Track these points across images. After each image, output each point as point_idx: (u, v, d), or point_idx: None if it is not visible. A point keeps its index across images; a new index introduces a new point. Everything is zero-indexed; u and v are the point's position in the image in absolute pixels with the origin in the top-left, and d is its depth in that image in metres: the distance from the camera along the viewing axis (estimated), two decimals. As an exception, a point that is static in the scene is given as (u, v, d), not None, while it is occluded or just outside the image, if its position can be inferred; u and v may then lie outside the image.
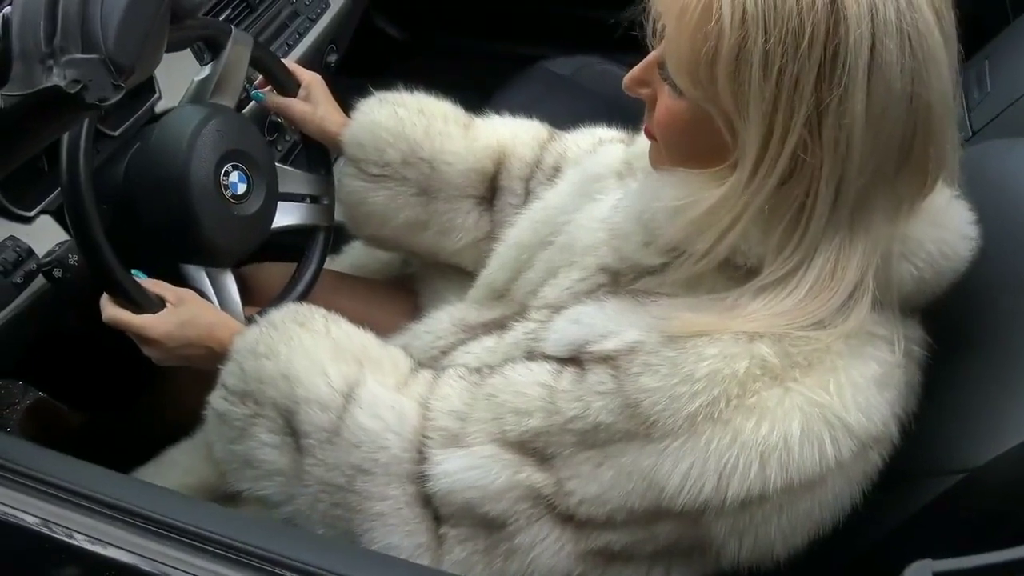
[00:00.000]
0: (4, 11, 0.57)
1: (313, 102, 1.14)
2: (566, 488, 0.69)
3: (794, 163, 0.65)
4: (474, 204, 1.11)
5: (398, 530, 0.74)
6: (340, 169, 1.15)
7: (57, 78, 0.54)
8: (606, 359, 0.69)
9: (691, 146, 0.71)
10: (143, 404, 1.24)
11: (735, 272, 0.70)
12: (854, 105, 0.63)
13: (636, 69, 0.75)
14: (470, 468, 0.71)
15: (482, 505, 0.71)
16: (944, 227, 0.72)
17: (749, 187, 0.66)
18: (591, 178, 0.93)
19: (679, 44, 0.67)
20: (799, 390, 0.66)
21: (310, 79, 1.15)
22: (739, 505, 0.66)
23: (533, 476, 0.69)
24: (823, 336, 0.67)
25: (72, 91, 0.54)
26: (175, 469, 1.01)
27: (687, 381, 0.65)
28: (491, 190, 1.11)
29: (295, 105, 1.14)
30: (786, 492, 0.66)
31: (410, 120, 1.09)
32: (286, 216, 1.14)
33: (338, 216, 1.20)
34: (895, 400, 0.70)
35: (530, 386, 0.71)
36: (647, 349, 0.67)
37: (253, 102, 1.20)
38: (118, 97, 0.57)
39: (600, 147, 1.04)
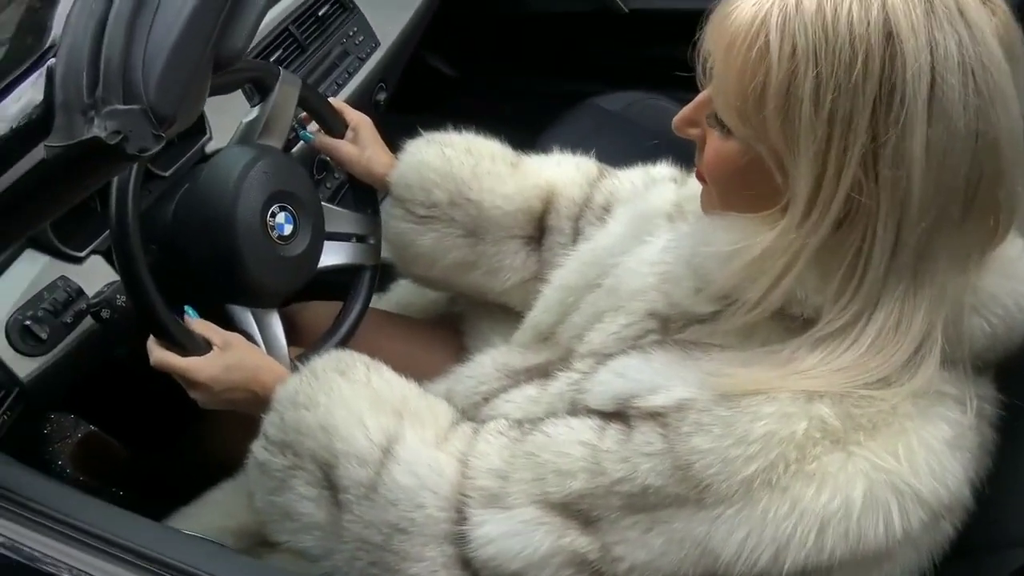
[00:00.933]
0: (49, 62, 0.57)
1: (360, 144, 1.14)
2: (613, 553, 0.66)
3: (849, 205, 0.62)
4: (522, 244, 1.10)
5: None
6: (386, 211, 1.15)
7: (98, 129, 0.54)
8: (654, 415, 0.66)
9: (742, 188, 0.68)
10: (189, 442, 1.24)
11: (792, 323, 0.67)
12: (913, 144, 0.60)
13: (686, 109, 0.72)
14: (512, 535, 0.68)
15: (526, 572, 0.68)
16: (1019, 279, 0.68)
17: (802, 230, 0.63)
18: (641, 219, 0.91)
19: (727, 80, 0.65)
20: (863, 455, 0.62)
21: (358, 120, 1.15)
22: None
23: (577, 540, 0.66)
24: (888, 395, 0.63)
25: (112, 142, 0.54)
26: (217, 511, 1.00)
27: (741, 443, 0.62)
28: (539, 229, 1.10)
29: (342, 147, 1.14)
30: (850, 564, 0.62)
31: (458, 160, 1.08)
32: (332, 255, 1.14)
33: (385, 255, 1.19)
34: (969, 464, 0.66)
35: (572, 445, 0.68)
36: (698, 407, 0.64)
37: (302, 142, 1.21)
38: (159, 147, 0.56)
39: (652, 186, 1.01)
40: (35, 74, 0.59)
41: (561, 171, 1.11)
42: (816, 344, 0.65)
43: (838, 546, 0.61)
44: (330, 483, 0.78)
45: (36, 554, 0.69)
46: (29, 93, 0.59)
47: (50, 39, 0.63)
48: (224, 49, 0.60)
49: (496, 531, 0.69)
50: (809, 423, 0.62)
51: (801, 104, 0.61)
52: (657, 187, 0.98)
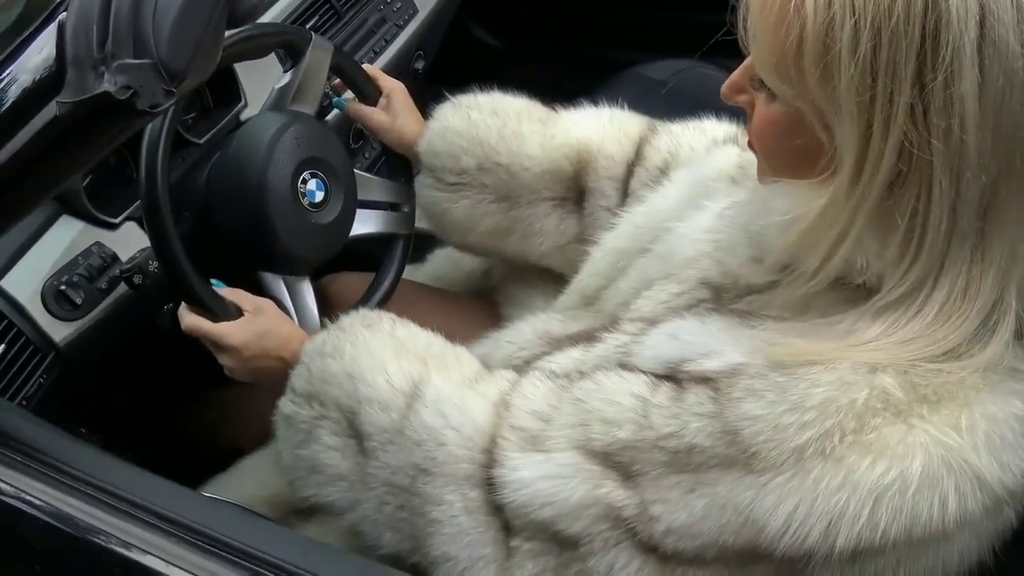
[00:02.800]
0: (60, 16, 0.56)
1: (393, 112, 1.12)
2: (650, 512, 0.63)
3: (902, 163, 0.58)
4: (553, 206, 1.07)
5: (455, 540, 0.70)
6: (419, 180, 1.13)
7: (108, 84, 0.53)
8: (705, 380, 0.63)
9: (788, 154, 0.65)
10: (217, 412, 1.24)
11: (852, 293, 0.63)
12: (963, 90, 0.55)
13: (734, 74, 0.69)
14: (547, 478, 0.66)
15: (557, 522, 0.66)
16: None
17: (853, 192, 0.59)
18: (701, 183, 0.87)
19: (763, 38, 0.61)
20: (924, 428, 0.58)
21: (392, 88, 1.13)
22: (849, 556, 0.59)
23: (614, 493, 0.64)
24: (956, 368, 0.59)
25: (122, 97, 0.53)
26: (249, 479, 1.00)
27: (796, 410, 0.59)
28: (574, 191, 1.07)
29: (374, 115, 1.12)
30: (904, 546, 0.59)
31: (484, 123, 1.06)
32: (365, 224, 1.13)
33: (423, 224, 1.18)
34: None
35: (623, 395, 0.66)
36: (751, 372, 0.61)
37: (337, 109, 1.20)
38: (170, 103, 0.55)
39: (713, 149, 0.97)
40: (53, 24, 0.58)
41: (598, 129, 1.07)
42: (879, 314, 0.61)
43: (892, 524, 0.58)
44: (355, 431, 0.78)
45: (81, 523, 0.68)
46: (51, 44, 0.58)
47: (62, -7, 0.62)
48: (238, 3, 0.59)
49: (531, 475, 0.66)
50: (871, 392, 0.59)
51: (840, 56, 0.57)
52: (719, 150, 0.93)
